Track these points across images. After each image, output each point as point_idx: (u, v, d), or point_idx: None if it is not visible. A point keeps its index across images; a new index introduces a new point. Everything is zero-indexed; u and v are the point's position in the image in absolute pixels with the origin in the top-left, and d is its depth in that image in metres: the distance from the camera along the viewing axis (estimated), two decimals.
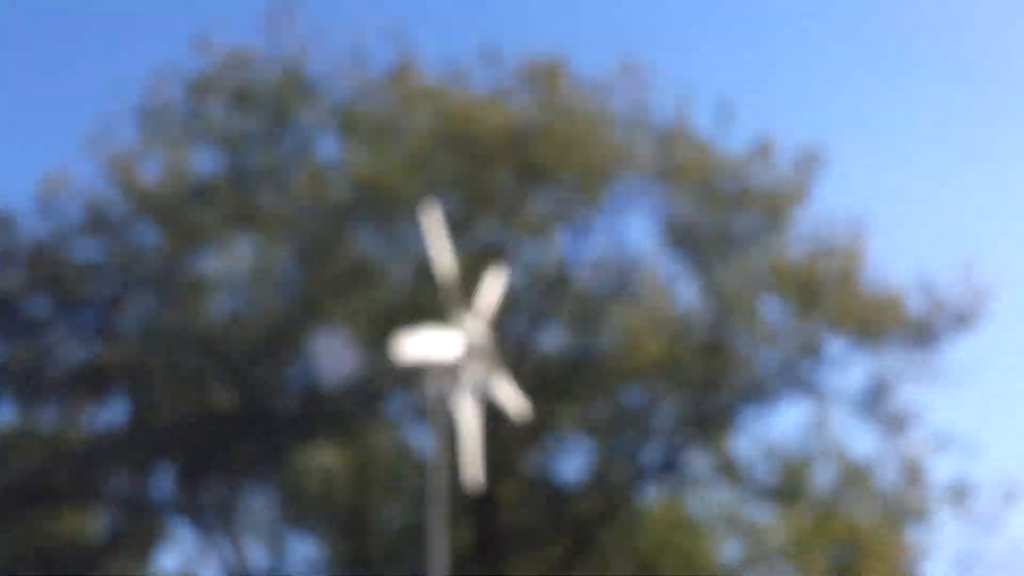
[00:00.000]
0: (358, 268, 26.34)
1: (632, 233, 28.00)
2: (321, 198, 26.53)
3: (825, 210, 27.63)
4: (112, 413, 28.15)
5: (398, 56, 27.19)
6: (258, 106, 27.16)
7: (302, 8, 27.24)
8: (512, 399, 20.93)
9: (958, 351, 27.20)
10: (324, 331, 20.92)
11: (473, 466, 19.69)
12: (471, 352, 19.87)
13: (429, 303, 22.16)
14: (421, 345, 19.29)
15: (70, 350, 28.07)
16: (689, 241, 27.45)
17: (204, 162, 27.67)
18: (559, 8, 44.30)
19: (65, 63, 46.24)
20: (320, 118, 27.39)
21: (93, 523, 28.13)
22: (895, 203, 40.36)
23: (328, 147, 27.60)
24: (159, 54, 28.85)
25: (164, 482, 27.85)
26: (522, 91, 27.28)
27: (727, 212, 27.26)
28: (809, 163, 27.38)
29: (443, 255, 20.22)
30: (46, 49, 46.56)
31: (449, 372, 19.53)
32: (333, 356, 20.07)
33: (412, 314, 22.68)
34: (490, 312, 20.73)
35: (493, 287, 21.11)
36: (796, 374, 27.58)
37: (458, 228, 25.48)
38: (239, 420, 26.22)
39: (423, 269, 24.13)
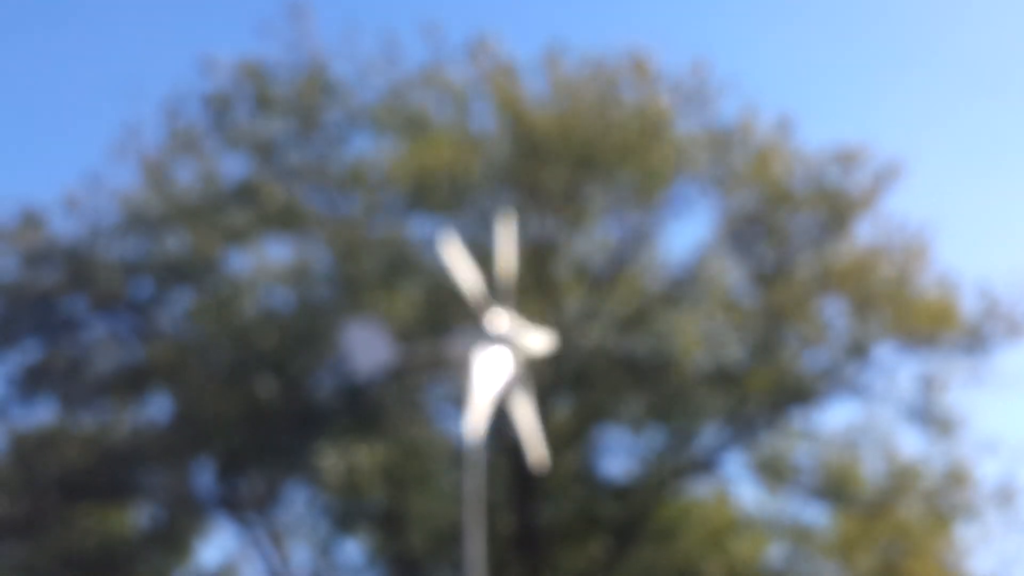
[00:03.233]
0: (399, 260, 26.16)
1: (689, 232, 27.91)
2: (364, 191, 26.39)
3: (887, 213, 27.32)
4: (152, 410, 28.19)
5: (476, 33, 27.04)
6: (283, 110, 27.06)
7: (312, 10, 27.16)
8: (540, 343, 20.31)
9: (1010, 358, 26.81)
10: (357, 322, 20.59)
11: (536, 446, 19.51)
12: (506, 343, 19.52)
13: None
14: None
15: (109, 349, 28.11)
16: (745, 239, 27.13)
17: (235, 167, 27.63)
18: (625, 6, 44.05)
19: (92, 64, 46.44)
20: (351, 116, 27.18)
21: (134, 519, 28.10)
22: (960, 208, 40.07)
23: (362, 144, 27.39)
24: (183, 51, 28.89)
25: (205, 478, 27.76)
26: (584, 86, 26.96)
27: (787, 212, 26.90)
28: (887, 173, 26.99)
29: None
30: (71, 50, 46.85)
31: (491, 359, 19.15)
32: (367, 347, 19.72)
33: (452, 306, 22.52)
34: (511, 266, 20.13)
35: (506, 239, 20.40)
36: (844, 375, 27.18)
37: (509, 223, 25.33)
38: (278, 415, 26.08)
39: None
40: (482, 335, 19.13)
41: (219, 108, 27.15)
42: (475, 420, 18.46)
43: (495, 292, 19.72)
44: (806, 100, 47.38)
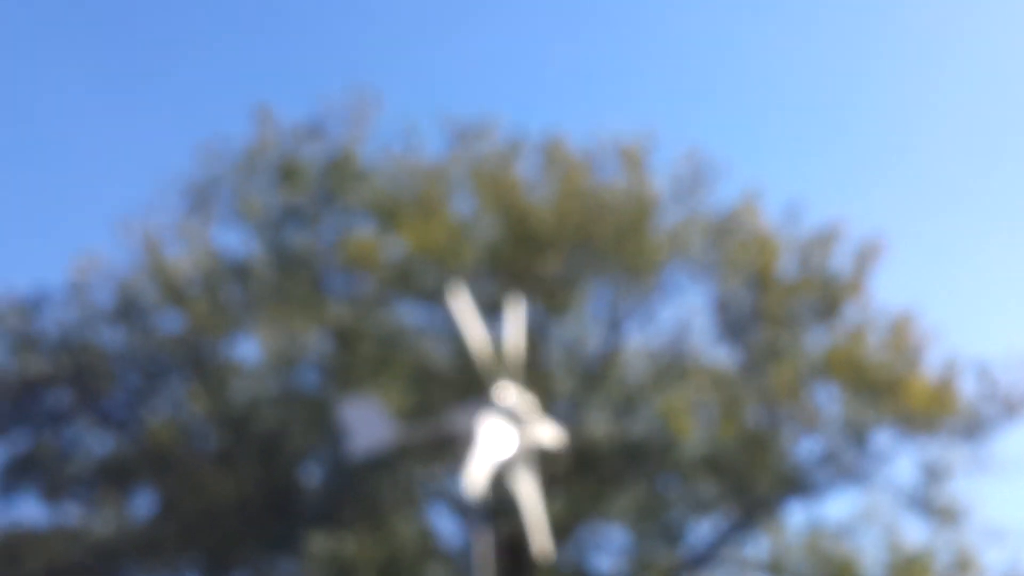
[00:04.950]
0: (393, 345, 25.89)
1: (681, 320, 27.52)
2: (361, 276, 26.24)
3: (880, 297, 27.37)
4: (139, 503, 27.58)
5: (471, 118, 27.25)
6: (303, 184, 26.96)
7: (373, 95, 27.39)
8: (550, 436, 20.04)
9: (1009, 442, 26.72)
10: (354, 399, 20.22)
11: (541, 536, 19.05)
12: (514, 419, 19.24)
13: (467, 379, 21.66)
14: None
15: (96, 440, 27.63)
16: (738, 327, 27.03)
17: (241, 241, 27.43)
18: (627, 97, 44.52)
19: (121, 138, 46.17)
20: (364, 198, 27.14)
21: None
22: (953, 288, 40.23)
23: (369, 228, 27.22)
24: (210, 132, 28.76)
25: (191, 572, 27.05)
26: (578, 173, 27.06)
27: (779, 299, 26.84)
28: (869, 254, 27.09)
29: (475, 334, 19.71)
30: (101, 123, 46.62)
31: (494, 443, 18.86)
32: (365, 425, 19.30)
33: (449, 389, 22.27)
34: (520, 346, 20.01)
35: (515, 319, 20.38)
36: (842, 464, 26.91)
37: (500, 309, 25.18)
38: (267, 504, 25.57)
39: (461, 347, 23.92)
40: (489, 407, 18.80)
41: (244, 169, 26.96)
42: (475, 480, 18.03)
43: (502, 368, 19.48)
44: (792, 181, 47.79)
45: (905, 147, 47.24)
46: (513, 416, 19.09)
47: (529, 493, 19.12)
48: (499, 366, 19.57)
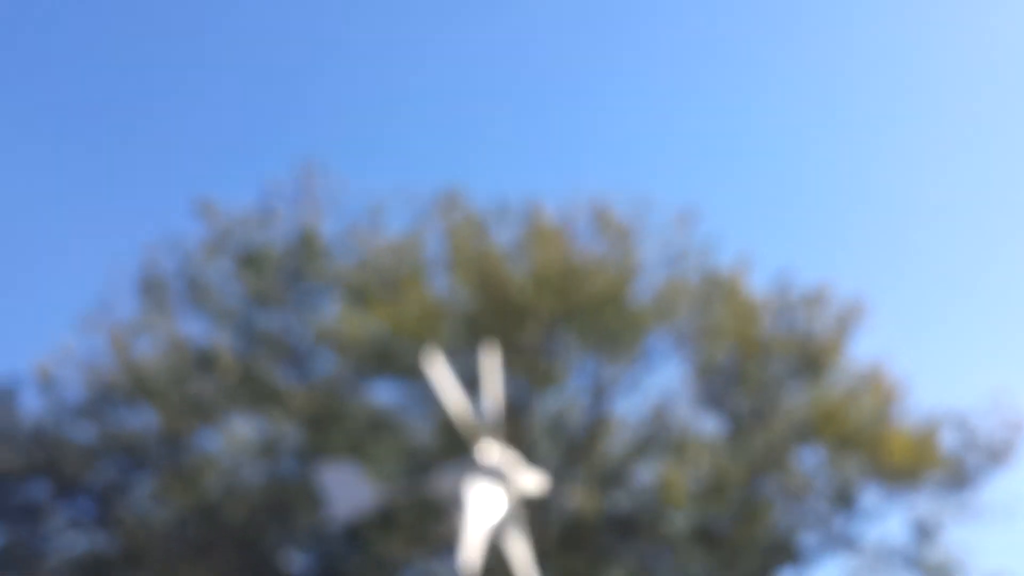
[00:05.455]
0: (372, 425, 25.48)
1: (665, 388, 27.17)
2: (334, 357, 25.91)
3: (859, 354, 27.21)
4: None
5: (446, 189, 27.01)
6: (267, 269, 26.73)
7: (321, 170, 27.21)
8: (534, 483, 19.59)
9: (995, 490, 26.55)
10: (334, 464, 19.74)
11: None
12: (499, 477, 18.85)
13: (450, 452, 21.27)
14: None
15: (69, 538, 26.93)
16: (721, 394, 26.76)
17: (206, 331, 26.94)
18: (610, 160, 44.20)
19: (78, 229, 45.39)
20: (331, 280, 26.89)
21: None
22: (929, 340, 40.19)
23: (339, 308, 26.82)
24: (167, 220, 28.46)
25: None
26: (559, 240, 26.91)
27: (759, 362, 26.63)
28: (850, 315, 27.02)
29: (454, 399, 19.43)
30: (62, 210, 45.81)
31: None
32: (345, 489, 18.86)
33: (432, 464, 21.86)
34: (498, 394, 19.67)
35: (491, 370, 20.01)
36: (831, 527, 26.54)
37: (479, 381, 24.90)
38: None
39: (441, 421, 23.52)
40: (472, 467, 18.43)
41: (202, 260, 26.70)
42: (470, 554, 17.54)
43: (482, 427, 19.14)
44: (769, 243, 47.58)
45: (877, 205, 47.24)
46: (497, 474, 18.69)
47: (518, 548, 18.69)
48: (480, 425, 19.21)
